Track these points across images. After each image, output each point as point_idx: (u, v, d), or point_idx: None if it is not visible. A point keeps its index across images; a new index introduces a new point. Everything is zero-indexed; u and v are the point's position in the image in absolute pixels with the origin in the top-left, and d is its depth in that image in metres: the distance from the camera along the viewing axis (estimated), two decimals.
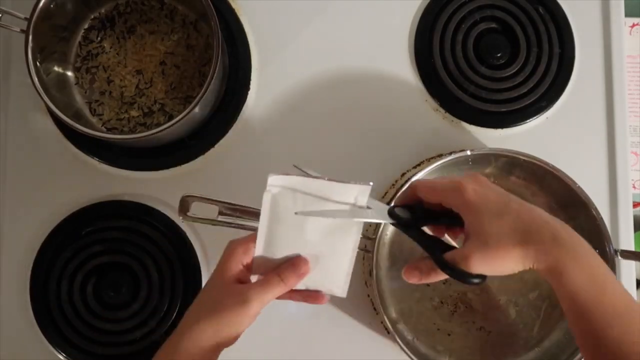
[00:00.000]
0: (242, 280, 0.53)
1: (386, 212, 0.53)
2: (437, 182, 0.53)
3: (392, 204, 0.54)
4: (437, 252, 0.51)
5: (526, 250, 0.47)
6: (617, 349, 0.45)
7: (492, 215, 0.48)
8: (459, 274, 0.49)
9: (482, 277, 0.49)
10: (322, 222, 0.52)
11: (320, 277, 0.55)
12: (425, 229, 0.54)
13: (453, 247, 0.51)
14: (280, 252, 0.54)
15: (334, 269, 0.55)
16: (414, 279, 0.53)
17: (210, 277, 0.54)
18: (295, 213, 0.51)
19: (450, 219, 0.52)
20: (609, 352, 0.46)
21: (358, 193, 0.52)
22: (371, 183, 0.51)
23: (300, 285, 0.55)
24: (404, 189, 0.63)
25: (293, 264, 0.53)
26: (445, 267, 0.50)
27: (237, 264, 0.53)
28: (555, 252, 0.46)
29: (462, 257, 0.49)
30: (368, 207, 0.52)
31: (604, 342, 0.46)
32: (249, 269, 0.54)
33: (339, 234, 0.53)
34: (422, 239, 0.53)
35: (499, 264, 0.48)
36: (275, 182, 0.51)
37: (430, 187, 0.53)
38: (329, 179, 0.51)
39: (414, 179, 0.64)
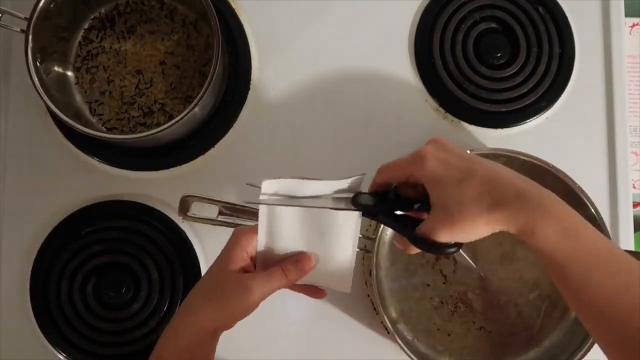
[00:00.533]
0: (246, 269, 0.53)
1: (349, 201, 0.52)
2: (400, 159, 0.51)
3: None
4: (409, 230, 0.50)
5: (492, 215, 0.45)
6: (601, 296, 0.44)
7: (455, 182, 0.47)
8: (433, 247, 0.48)
9: (458, 244, 0.48)
10: (318, 220, 0.52)
11: (323, 274, 0.55)
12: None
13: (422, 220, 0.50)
14: (283, 249, 0.54)
15: (336, 265, 0.55)
16: (403, 248, 0.52)
17: (214, 263, 0.54)
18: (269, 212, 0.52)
19: (422, 204, 0.50)
20: (593, 300, 0.44)
21: (353, 184, 0.52)
22: (364, 173, 0.51)
23: (304, 281, 0.55)
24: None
25: (297, 260, 0.53)
26: (418, 242, 0.49)
27: (242, 253, 0.53)
28: (522, 212, 0.45)
29: (429, 230, 0.48)
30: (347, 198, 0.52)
31: (587, 291, 0.44)
32: (253, 258, 0.54)
33: (336, 231, 0.53)
34: (391, 222, 0.52)
35: (467, 232, 0.47)
36: (269, 186, 0.51)
37: (394, 165, 0.52)
38: (321, 180, 0.51)
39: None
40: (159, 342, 0.53)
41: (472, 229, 0.46)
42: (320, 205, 0.51)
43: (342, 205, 0.52)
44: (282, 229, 0.53)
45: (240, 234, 0.53)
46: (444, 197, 0.47)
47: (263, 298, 0.52)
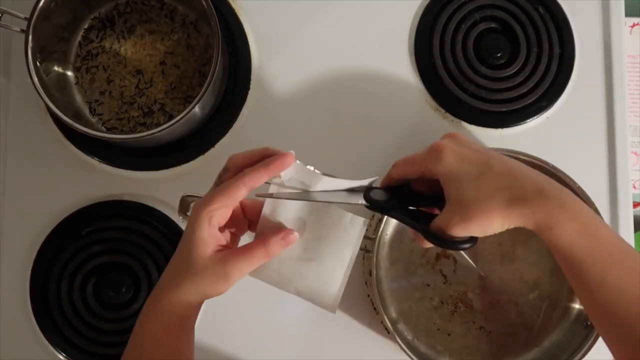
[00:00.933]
0: (219, 244, 0.50)
1: (361, 196, 0.51)
2: (416, 153, 0.51)
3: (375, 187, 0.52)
4: (422, 225, 0.49)
5: (510, 211, 0.45)
6: (617, 295, 0.44)
7: (472, 177, 0.46)
8: (446, 242, 0.47)
9: (473, 240, 0.47)
10: (322, 218, 0.51)
11: (312, 282, 0.52)
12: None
13: (436, 215, 0.49)
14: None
15: (328, 276, 0.52)
16: (417, 241, 0.51)
17: (186, 249, 0.50)
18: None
19: (435, 200, 0.50)
20: (609, 299, 0.44)
21: (367, 184, 0.51)
22: (377, 177, 0.51)
23: (292, 291, 0.53)
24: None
25: (280, 235, 0.51)
26: (431, 237, 0.48)
27: (210, 230, 0.49)
28: (541, 207, 0.44)
29: (444, 224, 0.47)
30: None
31: (603, 290, 0.44)
32: (222, 229, 0.51)
33: (337, 235, 0.51)
34: (404, 217, 0.51)
35: (482, 227, 0.46)
36: (287, 170, 0.50)
37: (409, 159, 0.51)
38: (336, 178, 0.50)
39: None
40: (143, 324, 0.51)
41: (487, 224, 0.46)
42: (330, 199, 0.50)
43: (353, 200, 0.50)
44: (284, 222, 0.52)
45: (201, 212, 0.49)
46: (460, 192, 0.46)
47: (243, 276, 0.50)
